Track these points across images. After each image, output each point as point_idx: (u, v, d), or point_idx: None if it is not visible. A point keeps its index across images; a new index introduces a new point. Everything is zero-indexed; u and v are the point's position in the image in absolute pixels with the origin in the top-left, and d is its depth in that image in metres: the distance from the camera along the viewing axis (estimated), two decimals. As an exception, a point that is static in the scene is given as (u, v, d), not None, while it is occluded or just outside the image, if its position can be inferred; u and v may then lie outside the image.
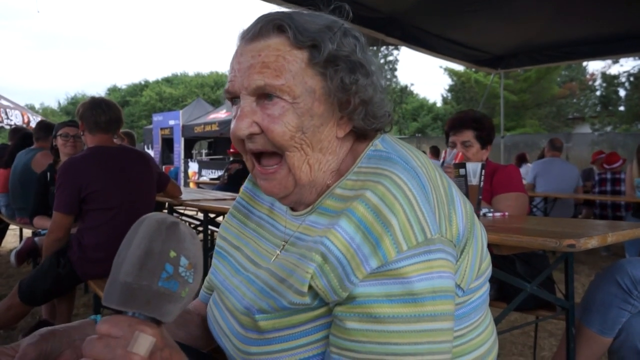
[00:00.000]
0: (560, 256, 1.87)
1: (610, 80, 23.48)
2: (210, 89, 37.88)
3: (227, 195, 4.00)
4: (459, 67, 22.28)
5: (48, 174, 3.54)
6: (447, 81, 32.97)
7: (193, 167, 15.68)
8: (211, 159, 17.00)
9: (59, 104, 46.28)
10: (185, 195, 3.66)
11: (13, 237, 6.73)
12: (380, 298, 0.71)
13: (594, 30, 6.25)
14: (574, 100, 25.91)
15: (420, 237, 0.72)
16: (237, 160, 6.69)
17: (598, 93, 25.00)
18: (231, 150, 7.01)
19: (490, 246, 1.73)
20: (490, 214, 2.11)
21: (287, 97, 0.79)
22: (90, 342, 0.60)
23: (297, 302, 0.76)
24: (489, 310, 0.92)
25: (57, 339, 0.78)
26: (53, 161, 3.61)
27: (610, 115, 23.06)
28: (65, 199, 2.54)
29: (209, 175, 14.15)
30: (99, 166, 2.59)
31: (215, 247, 1.03)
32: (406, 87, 30.95)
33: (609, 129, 21.92)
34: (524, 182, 6.40)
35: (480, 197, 1.99)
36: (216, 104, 21.01)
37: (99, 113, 2.65)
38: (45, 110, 43.42)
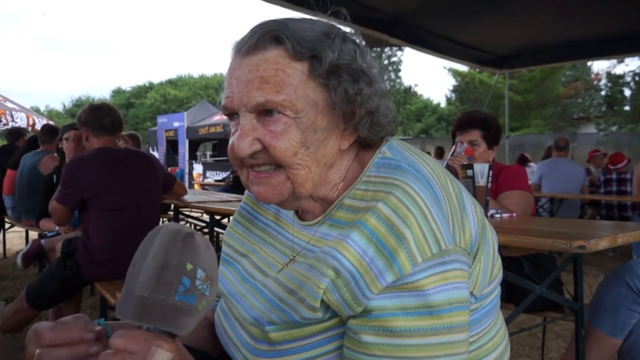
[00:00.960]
0: (568, 257, 1.86)
1: (616, 80, 23.38)
2: (215, 91, 37.66)
3: (233, 197, 3.99)
4: (463, 68, 22.24)
5: (54, 176, 3.55)
6: (451, 82, 32.89)
7: (198, 168, 15.72)
8: (216, 161, 17.03)
9: (64, 106, 46.47)
10: (191, 196, 3.66)
11: (19, 240, 6.75)
12: (396, 311, 0.69)
13: (598, 30, 6.23)
14: (579, 100, 25.81)
15: (435, 248, 0.71)
16: (241, 164, 6.69)
17: (603, 93, 24.91)
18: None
19: (498, 248, 1.72)
20: (498, 215, 2.10)
21: (290, 112, 0.76)
22: (105, 357, 0.59)
23: (309, 317, 0.75)
24: (500, 313, 0.91)
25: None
26: (59, 163, 3.62)
27: (615, 115, 22.96)
28: (67, 195, 2.55)
29: (213, 176, 14.17)
30: (105, 167, 2.60)
31: (222, 253, 1.00)
32: (410, 87, 30.96)
33: (614, 128, 21.83)
34: (529, 182, 6.41)
35: (488, 198, 1.98)
36: (218, 107, 21.00)
37: (102, 115, 2.67)
38: (51, 113, 43.60)
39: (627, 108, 23.25)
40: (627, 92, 23.36)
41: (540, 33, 6.49)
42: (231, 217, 1.05)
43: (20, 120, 7.67)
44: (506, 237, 1.50)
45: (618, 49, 6.84)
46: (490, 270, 0.82)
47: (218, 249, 3.84)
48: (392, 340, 0.69)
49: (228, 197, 3.93)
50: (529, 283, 1.75)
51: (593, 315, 1.85)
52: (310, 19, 0.82)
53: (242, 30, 0.82)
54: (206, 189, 9.24)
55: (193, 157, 17.21)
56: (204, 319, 1.02)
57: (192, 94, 37.45)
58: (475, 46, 6.99)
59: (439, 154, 10.71)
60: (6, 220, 5.03)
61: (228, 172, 7.34)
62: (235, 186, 6.55)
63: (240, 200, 1.04)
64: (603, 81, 24.86)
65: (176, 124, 16.17)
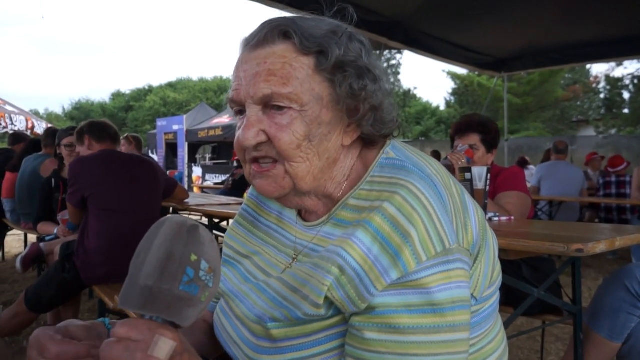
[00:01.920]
0: (567, 260, 1.86)
1: (614, 83, 23.42)
2: (214, 94, 37.99)
3: (232, 200, 4.00)
4: (462, 71, 22.26)
5: (53, 180, 3.55)
6: (450, 85, 32.96)
7: (197, 171, 15.71)
8: (215, 164, 17.02)
9: (64, 109, 46.48)
10: (190, 200, 3.66)
11: (18, 243, 6.75)
12: (400, 308, 0.70)
13: (597, 33, 6.24)
14: (578, 103, 25.83)
15: (439, 247, 0.72)
16: (241, 166, 6.70)
17: (602, 96, 24.95)
18: (236, 157, 7.02)
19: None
20: (496, 218, 2.11)
21: (295, 105, 0.77)
22: (108, 345, 0.59)
23: (312, 313, 0.75)
24: (499, 317, 0.92)
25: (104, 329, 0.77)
26: (58, 168, 3.62)
27: (614, 117, 22.98)
28: (72, 193, 2.64)
29: (212, 179, 14.17)
30: (106, 167, 2.64)
31: (223, 255, 1.01)
32: (409, 90, 30.97)
33: (613, 131, 21.85)
34: (528, 185, 6.41)
35: (487, 201, 1.98)
36: (220, 108, 21.04)
37: (106, 126, 2.84)
38: (50, 116, 43.61)
39: (626, 111, 23.27)
40: (626, 95, 23.41)
41: (539, 36, 6.50)
42: (231, 221, 1.05)
43: (20, 124, 7.68)
44: (504, 240, 1.50)
45: (617, 52, 6.84)
46: (490, 273, 0.83)
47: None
48: (395, 337, 0.70)
49: (227, 200, 3.93)
50: (528, 286, 1.75)
51: (592, 318, 1.84)
52: (319, 18, 0.84)
53: (242, 33, 0.83)
54: (205, 192, 9.24)
55: (192, 160, 17.21)
56: (203, 322, 1.02)
57: (192, 97, 37.47)
58: (474, 49, 7.00)
59: (436, 157, 10.69)
60: (5, 222, 5.01)
61: (227, 175, 7.35)
62: (234, 189, 6.55)
63: (239, 204, 1.04)
64: (602, 84, 24.90)
65: (175, 127, 16.17)
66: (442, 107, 32.02)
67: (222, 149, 17.78)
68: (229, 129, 13.53)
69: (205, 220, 3.76)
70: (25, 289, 2.73)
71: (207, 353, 0.97)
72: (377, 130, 0.84)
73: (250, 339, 0.84)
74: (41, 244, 3.43)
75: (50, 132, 4.54)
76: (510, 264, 2.11)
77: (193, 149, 17.48)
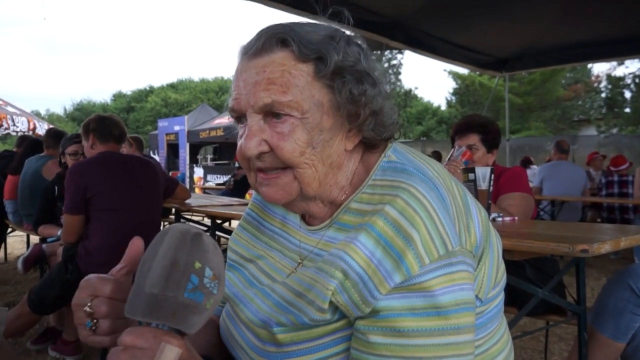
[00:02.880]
0: (571, 261, 1.86)
1: (616, 82, 23.37)
2: (215, 94, 38.01)
3: (234, 200, 4.00)
4: (463, 71, 22.25)
5: (56, 188, 3.51)
6: (451, 84, 32.92)
7: (198, 172, 15.72)
8: (216, 164, 17.04)
9: (65, 110, 46.52)
10: (192, 200, 3.66)
11: (20, 244, 6.76)
12: (404, 312, 0.70)
13: (598, 32, 6.23)
14: (579, 102, 25.78)
15: (442, 250, 0.72)
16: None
17: (603, 95, 24.88)
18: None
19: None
20: (500, 219, 2.10)
21: (296, 113, 0.77)
22: (115, 354, 0.60)
23: (317, 318, 0.75)
24: (504, 318, 0.92)
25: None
26: (61, 175, 3.55)
27: (616, 117, 22.94)
28: (71, 200, 2.60)
29: (214, 180, 14.18)
30: (106, 168, 2.64)
31: (227, 259, 1.01)
32: (410, 90, 30.93)
33: (614, 131, 21.81)
34: (531, 184, 6.40)
35: (490, 201, 1.98)
36: (221, 109, 21.05)
37: (113, 125, 2.79)
38: (52, 117, 43.66)
39: (627, 110, 23.23)
40: (628, 94, 23.34)
41: (540, 35, 6.49)
42: (233, 222, 1.05)
43: (22, 125, 7.68)
44: (508, 241, 1.50)
45: (618, 51, 6.83)
46: (495, 273, 0.83)
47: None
48: (399, 341, 0.70)
49: (229, 201, 3.93)
50: (532, 287, 1.75)
51: (596, 318, 1.84)
52: (315, 23, 0.84)
53: (243, 34, 0.84)
54: (207, 193, 9.24)
55: (194, 160, 17.23)
56: (213, 323, 1.02)
57: (193, 98, 37.48)
58: (475, 49, 6.99)
59: (437, 158, 10.68)
60: (7, 223, 5.02)
61: (229, 176, 7.35)
62: (236, 189, 6.56)
63: (241, 204, 1.04)
64: (603, 83, 24.84)
65: (177, 128, 16.18)
66: (443, 107, 32.00)
67: (223, 149, 17.79)
68: (230, 129, 13.34)
69: (207, 221, 3.76)
70: (27, 290, 2.74)
71: (217, 354, 0.97)
72: (378, 134, 0.84)
73: (255, 344, 0.84)
74: (43, 245, 3.43)
75: (52, 133, 4.53)
76: (514, 264, 2.11)
77: (194, 149, 17.50)
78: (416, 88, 49.54)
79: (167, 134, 16.58)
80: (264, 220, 0.99)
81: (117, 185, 2.63)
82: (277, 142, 0.78)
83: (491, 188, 1.97)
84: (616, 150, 13.17)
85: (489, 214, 2.04)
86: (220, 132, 14.25)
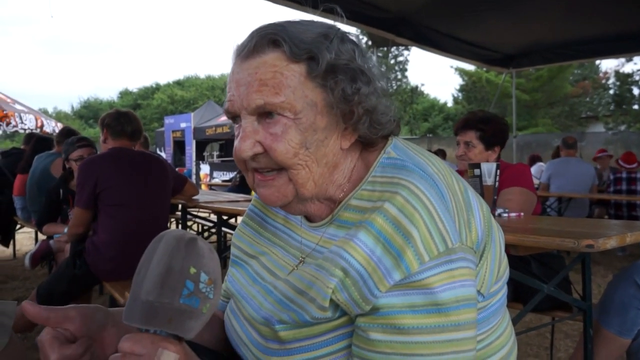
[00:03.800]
0: (577, 256, 1.85)
1: (624, 79, 23.19)
2: (221, 91, 38.03)
3: (240, 197, 4.01)
4: (469, 67, 22.19)
5: (61, 191, 3.51)
6: (458, 81, 32.86)
7: (205, 169, 15.77)
8: (223, 161, 17.07)
9: (72, 107, 46.85)
10: (199, 196, 3.68)
11: (28, 240, 6.81)
12: (404, 309, 0.70)
13: (606, 28, 6.18)
14: (587, 99, 25.63)
15: (442, 247, 0.72)
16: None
17: (612, 91, 24.71)
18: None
19: (506, 247, 1.72)
20: (506, 215, 2.10)
21: (289, 114, 0.77)
22: None
23: (319, 316, 0.76)
24: (507, 312, 0.92)
25: (102, 314, 0.78)
26: (66, 179, 3.54)
27: (624, 114, 22.78)
28: (82, 195, 2.63)
29: (220, 177, 14.21)
30: (116, 164, 2.66)
31: (231, 255, 1.02)
32: (417, 87, 30.82)
33: (622, 127, 21.67)
34: (537, 181, 6.37)
35: (496, 197, 1.98)
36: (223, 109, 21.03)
37: (126, 122, 2.78)
38: (59, 114, 43.91)
39: (636, 107, 23.07)
40: (636, 91, 23.16)
41: (547, 31, 6.45)
42: (239, 218, 1.06)
43: (29, 122, 7.72)
44: (514, 236, 1.50)
45: (627, 48, 6.78)
46: (497, 268, 0.83)
47: (226, 248, 3.86)
48: (400, 338, 0.70)
49: (235, 197, 3.95)
50: (537, 282, 1.75)
51: (602, 314, 1.84)
52: (310, 21, 0.83)
53: (248, 30, 0.82)
54: (213, 189, 9.27)
55: (200, 157, 17.27)
56: (219, 319, 1.03)
57: (199, 95, 37.57)
58: (482, 45, 6.95)
59: (442, 155, 10.63)
60: (16, 219, 5.07)
61: (235, 172, 7.37)
62: (242, 186, 6.57)
63: (247, 200, 1.05)
64: (611, 80, 24.66)
65: (183, 125, 16.24)
66: (450, 104, 31.91)
67: (229, 146, 17.81)
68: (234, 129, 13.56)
69: (214, 217, 3.77)
70: (36, 285, 2.77)
71: (224, 348, 0.98)
72: (374, 133, 0.83)
73: (259, 341, 0.85)
74: (50, 241, 3.46)
75: (65, 131, 4.55)
76: (520, 260, 2.10)
77: (200, 146, 17.54)
78: (422, 85, 49.49)
79: (173, 131, 16.65)
80: (267, 217, 0.99)
81: (127, 181, 2.65)
82: (271, 143, 0.77)
83: (497, 184, 1.97)
84: (624, 147, 13.08)
85: (495, 210, 2.03)
86: (226, 129, 14.28)
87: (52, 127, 8.18)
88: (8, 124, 7.31)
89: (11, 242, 5.60)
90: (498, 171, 1.97)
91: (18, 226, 5.43)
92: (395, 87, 25.51)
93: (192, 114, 16.81)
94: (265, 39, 0.78)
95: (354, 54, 0.80)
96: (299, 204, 0.84)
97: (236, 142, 0.81)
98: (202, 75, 44.23)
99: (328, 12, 0.87)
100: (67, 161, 3.42)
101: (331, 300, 0.74)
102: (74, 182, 3.26)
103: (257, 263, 0.95)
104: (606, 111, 24.27)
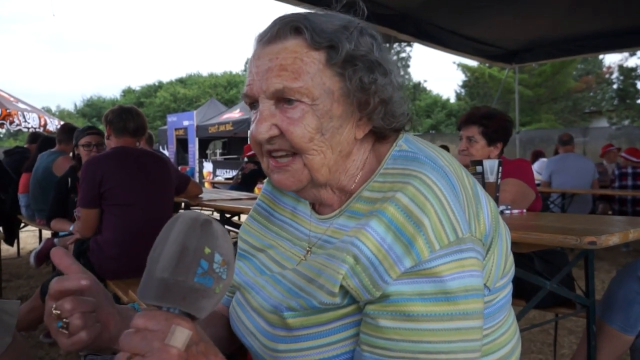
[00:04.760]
0: (579, 253, 1.85)
1: (628, 73, 23.08)
2: (224, 89, 38.08)
3: (243, 195, 4.01)
4: (472, 63, 22.08)
5: (69, 180, 3.55)
6: (460, 77, 32.76)
7: (208, 167, 15.78)
8: (225, 159, 17.10)
9: (75, 106, 46.89)
10: (202, 195, 3.69)
11: (33, 239, 6.84)
12: (414, 297, 0.71)
13: (609, 23, 6.15)
14: (591, 94, 25.50)
15: (452, 236, 0.73)
16: (252, 161, 6.75)
17: (615, 86, 24.60)
18: (248, 153, 7.06)
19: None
20: (508, 211, 2.10)
21: (306, 99, 0.79)
22: (127, 336, 0.61)
23: (327, 302, 0.77)
24: (511, 309, 0.92)
25: (107, 294, 0.81)
26: (75, 167, 3.60)
27: (628, 108, 22.68)
28: (87, 194, 2.63)
29: (223, 175, 14.22)
30: (119, 163, 2.67)
31: (238, 249, 1.03)
32: (419, 83, 30.80)
33: (626, 122, 21.57)
34: (539, 177, 6.35)
35: (498, 194, 1.97)
36: (230, 104, 21.10)
37: (129, 119, 2.78)
38: (62, 113, 44.01)
39: (639, 101, 22.95)
40: (640, 86, 23.06)
41: (550, 26, 6.42)
42: (242, 217, 1.07)
43: (32, 121, 7.73)
44: (516, 233, 1.49)
45: (630, 42, 6.75)
46: (503, 264, 0.84)
47: (228, 246, 3.87)
48: (408, 325, 0.71)
49: (238, 195, 3.95)
50: (540, 279, 1.75)
51: (605, 311, 1.83)
52: (331, 14, 0.85)
53: (251, 28, 0.85)
54: (216, 187, 9.28)
55: (203, 155, 17.30)
56: (222, 316, 1.04)
57: (202, 93, 37.57)
58: (484, 41, 6.93)
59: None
60: (20, 218, 5.09)
61: (237, 170, 7.38)
62: (243, 184, 6.58)
63: (250, 198, 1.06)
64: (615, 74, 24.54)
65: (186, 123, 16.24)
66: (453, 100, 31.82)
67: (232, 144, 17.85)
68: (239, 124, 13.57)
69: (217, 215, 3.78)
70: (40, 284, 2.78)
71: (224, 346, 0.99)
72: (388, 124, 0.84)
73: (266, 329, 0.85)
74: (55, 240, 3.47)
75: (66, 129, 4.57)
76: (523, 257, 2.10)
77: (203, 144, 17.57)
78: (425, 81, 49.29)
79: (176, 129, 16.65)
80: (274, 211, 1.01)
81: (130, 180, 2.66)
82: (287, 126, 0.79)
83: (499, 181, 1.96)
84: (628, 142, 13.04)
85: (498, 206, 2.03)
86: (229, 127, 14.29)
87: (55, 125, 8.19)
88: (11, 122, 7.32)
89: (15, 240, 5.62)
90: (500, 168, 1.96)
91: (22, 225, 5.45)
92: (405, 82, 25.47)
93: (195, 112, 16.82)
94: (288, 26, 0.80)
95: (372, 47, 0.82)
96: (313, 189, 0.86)
97: (252, 126, 0.83)
98: (204, 73, 44.22)
99: (347, 6, 0.89)
100: (76, 147, 3.51)
101: (341, 286, 0.75)
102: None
103: (265, 256, 0.96)
104: (610, 106, 24.15)
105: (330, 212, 0.89)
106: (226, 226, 3.57)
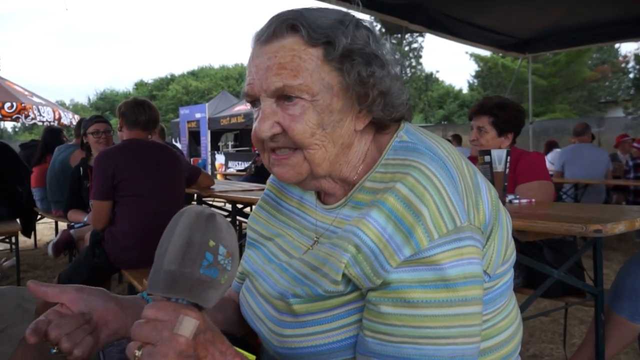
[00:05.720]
0: (588, 242, 1.85)
1: (644, 62, 22.68)
2: (235, 81, 38.13)
3: (254, 186, 4.05)
4: (485, 53, 21.84)
5: (81, 168, 3.66)
6: (473, 67, 32.43)
7: (220, 159, 15.87)
8: (237, 151, 17.16)
9: (89, 99, 47.37)
10: (214, 186, 3.73)
11: (49, 230, 6.96)
12: (414, 284, 0.74)
13: (625, 10, 6.03)
14: (606, 84, 25.11)
15: (451, 225, 0.74)
16: (263, 153, 6.77)
17: (631, 75, 24.18)
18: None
19: (514, 232, 1.72)
20: (517, 201, 2.10)
21: (306, 96, 0.80)
22: (138, 326, 0.65)
23: (331, 290, 0.79)
24: (513, 295, 0.94)
25: (102, 293, 0.86)
26: (85, 157, 3.72)
27: (644, 98, 22.29)
28: (100, 187, 2.68)
29: (235, 166, 14.30)
30: (131, 156, 2.72)
31: (247, 238, 1.06)
32: (431, 74, 30.49)
33: (643, 112, 21.22)
34: (553, 168, 6.30)
35: (506, 183, 1.98)
36: (241, 96, 21.06)
37: (140, 112, 2.82)
38: (76, 106, 44.47)
39: (656, 91, 22.56)
40: (657, 74, 22.64)
41: (564, 15, 6.31)
42: (254, 207, 1.10)
43: (47, 115, 7.83)
44: (523, 222, 1.50)
45: (646, 30, 6.62)
46: (504, 251, 0.85)
47: (241, 237, 3.90)
48: (409, 311, 0.74)
49: (250, 187, 3.99)
50: (548, 268, 1.76)
51: (613, 300, 1.84)
52: (326, 8, 0.86)
53: (261, 19, 0.86)
54: (228, 179, 9.35)
55: (215, 147, 17.39)
56: (232, 302, 1.08)
57: (213, 85, 37.69)
58: (497, 30, 6.84)
59: (457, 141, 10.57)
60: (36, 210, 5.19)
61: (250, 162, 7.43)
62: (256, 175, 6.63)
63: (261, 190, 1.09)
64: (631, 63, 24.11)
65: (198, 115, 16.34)
66: (465, 90, 31.58)
67: (244, 136, 17.90)
68: (251, 116, 13.55)
69: (229, 206, 3.83)
70: (57, 274, 2.84)
71: (236, 330, 1.03)
72: (388, 115, 0.86)
73: (273, 315, 0.88)
74: (71, 231, 3.55)
75: (82, 123, 4.68)
76: (532, 246, 2.11)
77: (215, 136, 17.65)
78: (437, 71, 48.88)
79: (188, 122, 16.76)
80: (282, 201, 1.03)
81: (142, 172, 2.71)
82: (289, 124, 0.81)
83: (507, 170, 1.97)
84: (644, 133, 12.82)
85: (506, 196, 2.04)
86: (240, 119, 14.35)
87: (69, 119, 8.29)
88: (27, 116, 7.42)
89: (32, 232, 5.73)
90: (508, 158, 1.96)
91: (38, 217, 5.55)
92: (409, 75, 25.25)
93: (207, 104, 16.90)
94: (284, 25, 0.81)
95: (368, 40, 0.83)
96: (313, 180, 0.88)
97: (255, 124, 0.85)
98: (216, 66, 44.33)
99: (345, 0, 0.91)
100: (85, 136, 3.61)
101: (344, 274, 0.77)
102: (93, 157, 3.40)
103: (273, 244, 0.99)
104: (626, 95, 23.76)
105: (335, 202, 0.91)
106: (238, 217, 3.62)
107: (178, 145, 15.76)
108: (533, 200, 2.14)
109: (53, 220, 5.45)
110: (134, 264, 2.67)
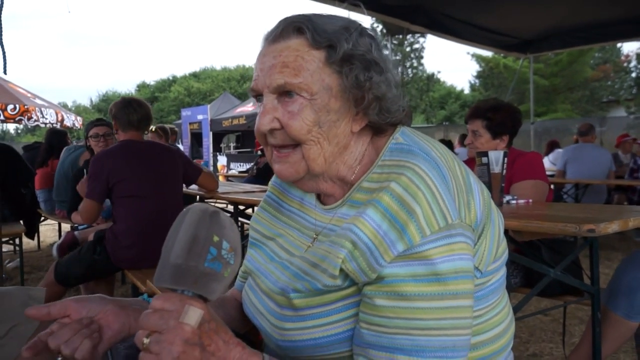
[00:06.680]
0: (585, 241, 1.87)
1: (647, 61, 22.63)
2: (237, 83, 38.23)
3: (256, 187, 4.07)
4: (487, 53, 21.83)
5: (85, 170, 3.70)
6: (474, 67, 32.40)
7: (222, 160, 15.88)
8: (239, 152, 17.21)
9: (91, 101, 47.48)
10: (215, 187, 3.75)
11: (53, 232, 7.00)
12: (407, 278, 0.77)
13: (627, 10, 6.04)
14: (609, 83, 25.09)
15: (442, 222, 0.78)
16: (265, 155, 6.80)
17: (633, 75, 24.16)
18: (260, 146, 7.11)
19: (511, 232, 1.75)
20: (514, 201, 2.12)
21: (305, 94, 0.85)
22: (146, 315, 0.69)
23: (329, 284, 0.83)
24: (505, 293, 0.97)
25: (100, 299, 0.90)
26: (89, 158, 3.76)
27: (646, 97, 22.26)
28: (94, 187, 2.71)
29: (237, 168, 14.34)
30: (127, 157, 2.75)
31: (249, 238, 1.10)
32: (433, 74, 30.47)
33: (645, 111, 21.19)
34: (555, 168, 6.31)
35: (503, 184, 1.99)
36: (243, 97, 21.17)
37: (131, 112, 2.84)
38: (78, 108, 44.59)
39: (658, 90, 22.52)
40: (659, 74, 22.60)
41: (566, 14, 6.32)
42: (256, 209, 1.14)
43: (50, 117, 7.85)
44: (518, 222, 1.53)
45: (648, 30, 6.61)
46: (495, 248, 0.89)
47: (243, 237, 3.94)
48: (402, 304, 0.77)
49: (251, 188, 4.01)
50: (544, 267, 1.78)
51: (610, 298, 1.86)
52: (334, 15, 0.92)
53: (263, 22, 0.91)
54: (230, 181, 9.38)
55: (217, 149, 17.43)
56: (234, 299, 1.12)
57: (215, 87, 37.78)
58: (498, 31, 6.86)
59: (463, 141, 10.57)
60: (39, 212, 5.22)
61: (251, 164, 7.46)
62: (258, 177, 6.64)
63: (262, 191, 1.12)
64: (633, 63, 24.12)
65: (200, 117, 16.34)
66: (467, 91, 31.56)
67: (245, 137, 17.95)
68: (253, 117, 13.62)
69: (230, 208, 3.85)
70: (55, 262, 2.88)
71: (237, 327, 1.06)
72: (383, 119, 0.90)
73: (274, 309, 0.92)
74: (76, 232, 3.58)
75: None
76: (530, 246, 2.13)
77: (217, 138, 17.68)
78: (439, 72, 48.87)
79: (190, 123, 16.77)
80: (283, 202, 1.08)
81: (137, 172, 2.74)
82: (287, 120, 0.86)
83: (504, 171, 1.99)
84: (646, 132, 12.81)
85: (503, 197, 2.05)
86: (242, 121, 14.37)
87: (71, 120, 8.33)
88: (29, 118, 7.45)
89: (36, 234, 5.77)
90: (506, 159, 1.98)
91: (42, 219, 5.59)
92: (411, 75, 25.25)
93: (209, 106, 16.92)
94: (291, 27, 0.87)
95: (370, 47, 0.88)
96: (311, 180, 0.93)
97: (257, 118, 0.90)
98: (218, 67, 44.46)
99: (352, 4, 0.96)
100: (87, 139, 3.71)
101: (341, 269, 0.81)
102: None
103: (274, 244, 1.03)
104: (628, 95, 23.73)
105: (334, 202, 0.95)
106: (240, 219, 3.64)
107: (180, 146, 15.80)
108: (530, 200, 2.16)
109: (56, 222, 5.48)
110: (133, 263, 2.70)
